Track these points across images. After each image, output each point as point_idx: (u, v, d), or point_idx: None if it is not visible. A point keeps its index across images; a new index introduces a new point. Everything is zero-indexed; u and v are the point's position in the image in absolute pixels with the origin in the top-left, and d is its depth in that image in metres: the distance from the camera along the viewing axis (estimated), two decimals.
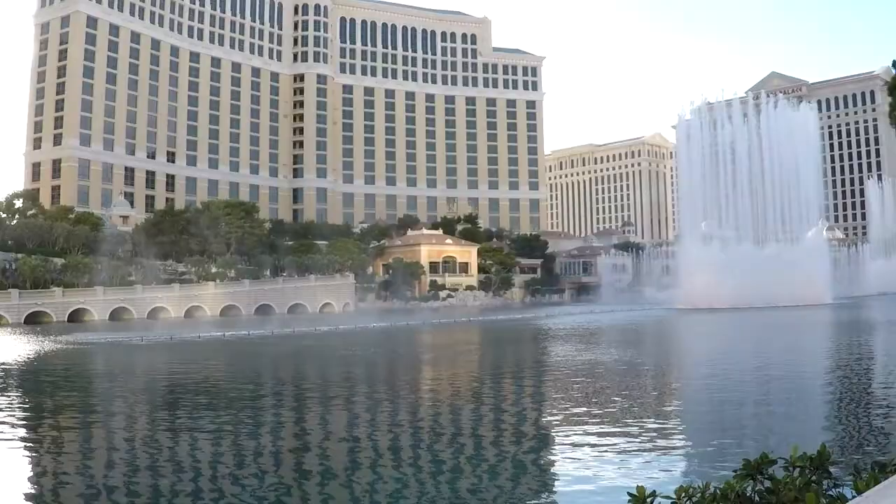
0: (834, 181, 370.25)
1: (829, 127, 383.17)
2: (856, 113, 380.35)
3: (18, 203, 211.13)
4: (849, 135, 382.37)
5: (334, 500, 21.58)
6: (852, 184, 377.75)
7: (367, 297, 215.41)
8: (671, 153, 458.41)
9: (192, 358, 70.98)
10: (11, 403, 40.61)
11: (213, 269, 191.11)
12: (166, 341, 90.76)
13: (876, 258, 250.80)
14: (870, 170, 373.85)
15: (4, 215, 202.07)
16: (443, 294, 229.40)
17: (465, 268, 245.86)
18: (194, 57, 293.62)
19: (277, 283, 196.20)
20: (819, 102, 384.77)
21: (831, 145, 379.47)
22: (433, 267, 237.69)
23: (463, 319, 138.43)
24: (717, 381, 44.20)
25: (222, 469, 24.95)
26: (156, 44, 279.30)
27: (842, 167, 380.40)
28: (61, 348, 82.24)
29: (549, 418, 33.82)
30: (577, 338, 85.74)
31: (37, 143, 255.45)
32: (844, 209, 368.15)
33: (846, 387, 42.25)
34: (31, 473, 25.01)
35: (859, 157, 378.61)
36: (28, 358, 71.23)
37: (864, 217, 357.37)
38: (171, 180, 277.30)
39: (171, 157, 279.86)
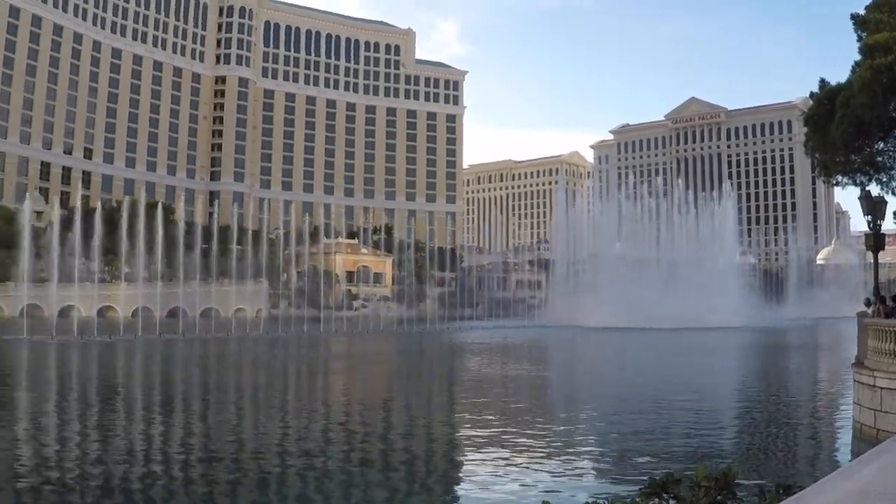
0: (749, 207, 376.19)
1: (746, 154, 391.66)
2: (772, 141, 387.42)
3: None
4: (764, 162, 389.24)
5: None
6: (766, 210, 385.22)
7: (280, 303, 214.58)
8: (588, 173, 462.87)
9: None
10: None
11: (126, 270, 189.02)
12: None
13: (789, 287, 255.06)
14: (784, 197, 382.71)
15: None
16: (357, 303, 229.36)
17: (379, 278, 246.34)
18: (116, 53, 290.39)
19: (191, 287, 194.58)
20: (737, 129, 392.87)
21: (747, 172, 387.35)
22: (348, 276, 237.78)
23: (377, 330, 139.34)
24: (626, 400, 45.09)
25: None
26: (78, 37, 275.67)
27: (756, 193, 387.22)
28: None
29: (462, 430, 34.77)
30: (488, 352, 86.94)
31: None
32: (758, 234, 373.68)
33: (755, 409, 43.24)
34: None
35: (774, 185, 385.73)
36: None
37: (776, 243, 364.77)
38: (87, 177, 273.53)
39: (88, 154, 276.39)
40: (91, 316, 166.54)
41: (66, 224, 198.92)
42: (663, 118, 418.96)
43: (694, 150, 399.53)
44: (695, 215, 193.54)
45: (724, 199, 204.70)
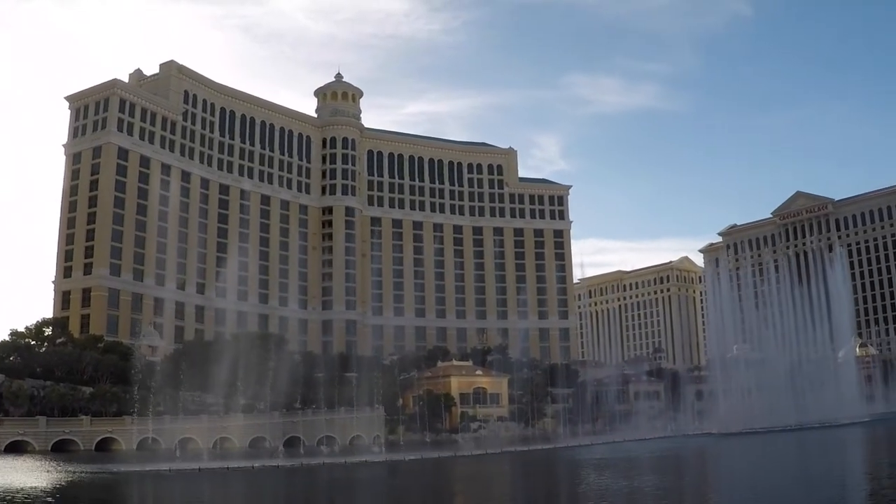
0: (864, 297, 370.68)
1: (858, 243, 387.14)
2: (883, 227, 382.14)
3: (48, 331, 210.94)
4: (877, 249, 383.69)
5: None
6: (882, 298, 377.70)
7: (397, 429, 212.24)
8: (700, 277, 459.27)
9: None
10: None
11: (242, 401, 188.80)
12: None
13: None
14: None
15: (33, 342, 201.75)
16: (474, 425, 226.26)
17: (496, 398, 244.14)
18: (224, 189, 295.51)
19: (307, 416, 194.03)
20: (846, 219, 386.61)
21: (860, 261, 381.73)
22: (464, 398, 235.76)
23: (496, 451, 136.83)
24: None
25: None
26: (186, 176, 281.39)
27: (871, 282, 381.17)
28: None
29: None
30: (614, 468, 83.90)
31: (67, 272, 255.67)
32: (876, 324, 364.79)
33: None
34: None
35: (889, 272, 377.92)
36: None
37: None
38: (200, 311, 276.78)
39: (200, 289, 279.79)
40: (208, 447, 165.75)
41: (181, 358, 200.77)
42: (770, 215, 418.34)
43: (804, 244, 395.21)
44: (809, 311, 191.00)
45: (838, 286, 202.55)
